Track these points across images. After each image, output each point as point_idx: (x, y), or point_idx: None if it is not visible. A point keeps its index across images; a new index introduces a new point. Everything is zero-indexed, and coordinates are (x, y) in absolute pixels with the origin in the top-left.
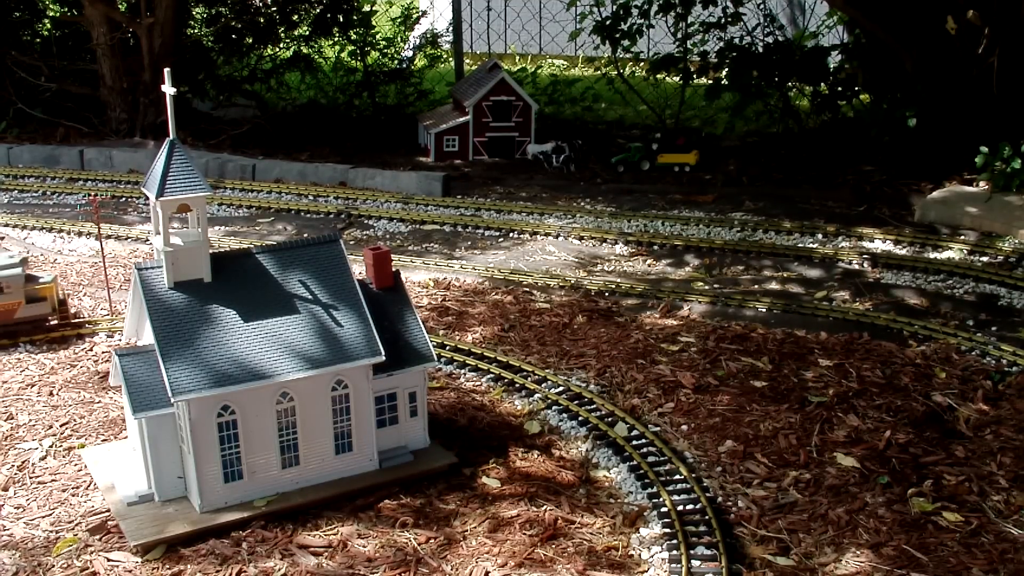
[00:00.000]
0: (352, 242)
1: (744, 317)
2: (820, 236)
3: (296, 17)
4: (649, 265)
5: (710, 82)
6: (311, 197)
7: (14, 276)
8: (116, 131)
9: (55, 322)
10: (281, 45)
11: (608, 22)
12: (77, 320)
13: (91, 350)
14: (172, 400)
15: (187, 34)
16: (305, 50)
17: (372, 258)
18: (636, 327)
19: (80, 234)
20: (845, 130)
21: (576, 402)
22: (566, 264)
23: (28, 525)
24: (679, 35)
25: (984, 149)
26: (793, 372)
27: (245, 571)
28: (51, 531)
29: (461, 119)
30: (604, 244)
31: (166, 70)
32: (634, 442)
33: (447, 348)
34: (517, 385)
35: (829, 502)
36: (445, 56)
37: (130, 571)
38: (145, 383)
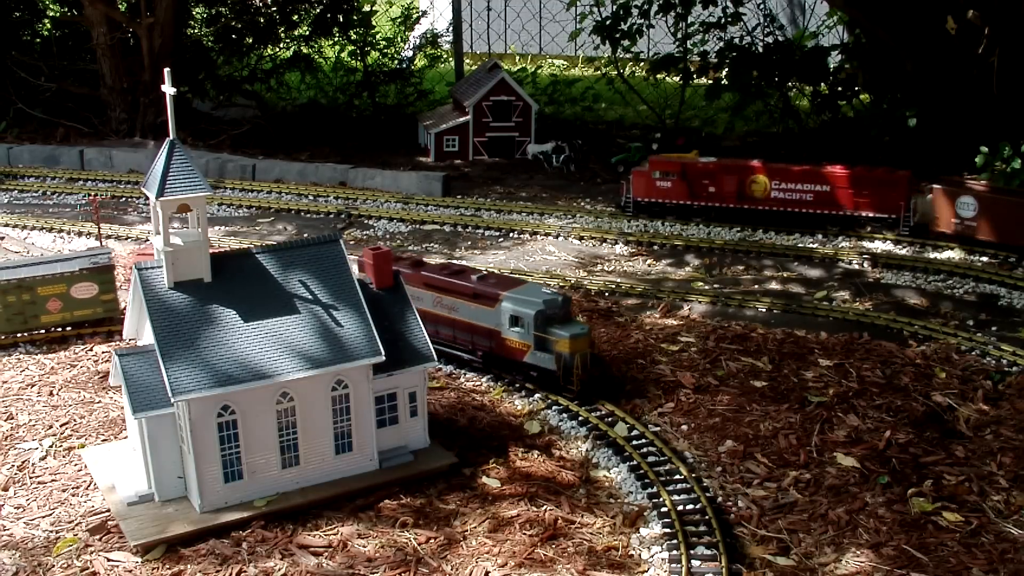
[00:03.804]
0: (352, 242)
1: (744, 317)
2: (820, 236)
3: (296, 17)
4: (649, 265)
5: (710, 82)
6: (311, 197)
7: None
8: (116, 131)
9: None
10: (281, 45)
11: (608, 22)
12: None
13: (91, 350)
14: (172, 400)
15: (187, 34)
16: (305, 50)
17: (372, 258)
18: (636, 327)
19: (80, 234)
20: (845, 130)
21: (576, 402)
22: (566, 264)
23: (28, 525)
24: (679, 35)
25: (984, 149)
26: (793, 372)
27: (245, 571)
28: (51, 531)
29: (461, 119)
30: (604, 244)
31: (166, 70)
32: (634, 442)
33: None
34: (517, 385)
35: (829, 502)
36: (445, 56)
37: (130, 571)
38: (145, 383)
